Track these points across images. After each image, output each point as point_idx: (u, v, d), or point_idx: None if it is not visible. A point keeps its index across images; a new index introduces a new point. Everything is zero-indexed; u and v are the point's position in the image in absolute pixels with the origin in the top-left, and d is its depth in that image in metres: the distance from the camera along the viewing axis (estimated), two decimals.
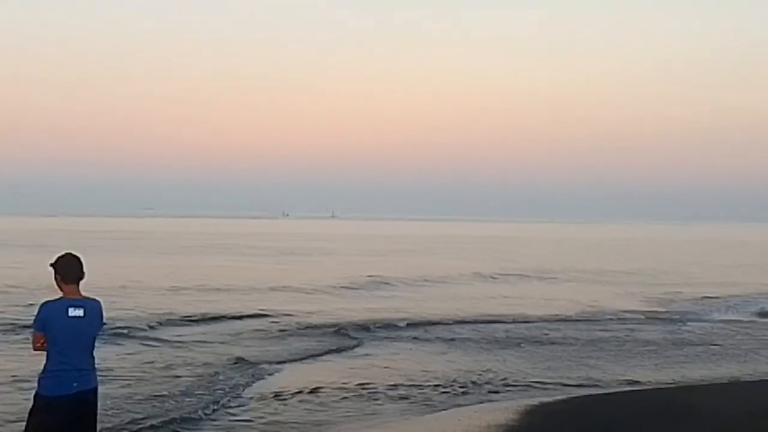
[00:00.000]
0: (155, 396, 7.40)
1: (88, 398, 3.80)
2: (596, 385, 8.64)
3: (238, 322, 13.45)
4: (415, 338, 12.05)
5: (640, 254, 43.67)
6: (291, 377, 8.60)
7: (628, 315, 16.01)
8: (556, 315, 15.52)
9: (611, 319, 15.34)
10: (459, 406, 7.42)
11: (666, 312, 17.04)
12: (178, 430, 6.32)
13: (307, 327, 12.80)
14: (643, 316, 15.92)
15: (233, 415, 6.85)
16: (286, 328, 12.69)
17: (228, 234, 62.96)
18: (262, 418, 6.72)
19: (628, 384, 8.69)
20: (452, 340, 11.92)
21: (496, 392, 8.09)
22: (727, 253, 46.98)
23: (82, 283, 3.78)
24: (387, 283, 22.00)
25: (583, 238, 72.19)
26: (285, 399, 7.37)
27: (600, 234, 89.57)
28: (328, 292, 19.25)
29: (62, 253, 3.92)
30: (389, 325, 13.32)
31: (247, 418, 6.73)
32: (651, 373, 9.49)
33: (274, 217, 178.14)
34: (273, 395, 7.50)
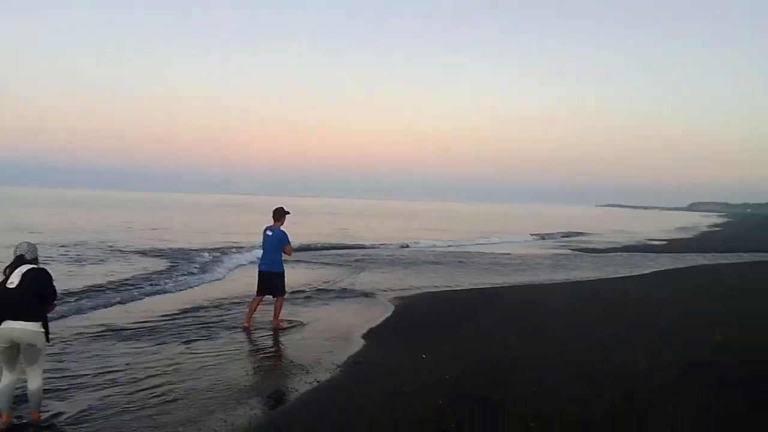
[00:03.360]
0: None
1: (268, 273, 8.44)
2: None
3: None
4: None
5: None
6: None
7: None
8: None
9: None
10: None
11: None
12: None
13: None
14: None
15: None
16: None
17: (314, 205, 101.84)
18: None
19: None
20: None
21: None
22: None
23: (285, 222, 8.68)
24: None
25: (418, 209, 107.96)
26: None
27: (419, 207, 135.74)
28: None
29: (276, 206, 8.72)
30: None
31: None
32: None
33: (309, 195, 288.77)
34: None
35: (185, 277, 13.29)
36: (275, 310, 8.57)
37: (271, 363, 6.82)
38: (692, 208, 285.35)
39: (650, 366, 6.52)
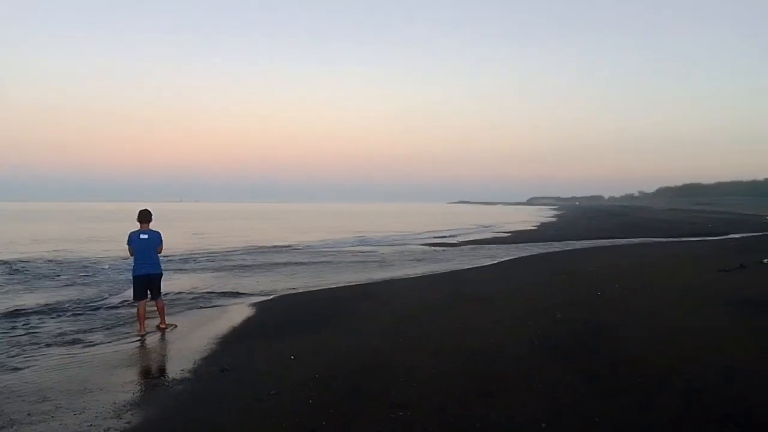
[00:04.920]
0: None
1: (153, 275, 8.49)
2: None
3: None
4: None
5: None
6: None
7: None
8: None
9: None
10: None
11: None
12: None
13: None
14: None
15: None
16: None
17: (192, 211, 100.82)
18: None
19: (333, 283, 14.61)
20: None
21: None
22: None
23: (152, 223, 8.67)
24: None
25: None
26: None
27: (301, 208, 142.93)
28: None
29: (141, 208, 8.66)
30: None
31: None
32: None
33: (176, 200, 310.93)
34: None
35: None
36: (161, 311, 8.72)
37: (128, 376, 6.31)
38: (531, 202, 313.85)
39: (503, 346, 7.07)
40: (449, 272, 16.14)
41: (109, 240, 27.09)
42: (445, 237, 33.98)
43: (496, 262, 18.93)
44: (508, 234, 36.50)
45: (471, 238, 32.17)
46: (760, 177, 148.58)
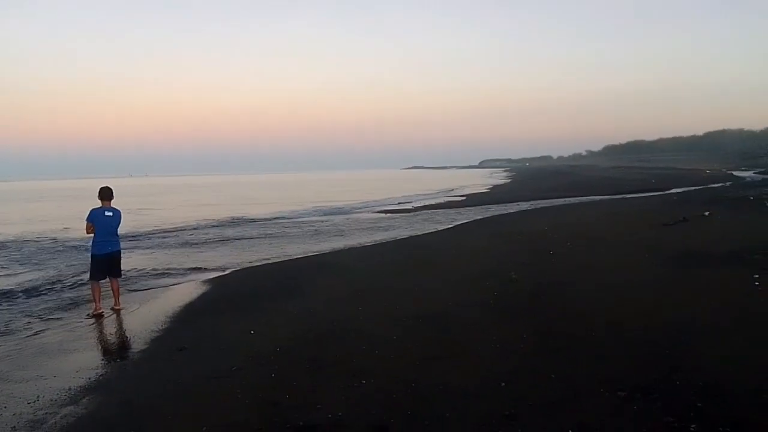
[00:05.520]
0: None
1: (116, 253, 8.39)
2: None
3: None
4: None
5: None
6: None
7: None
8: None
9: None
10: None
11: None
12: None
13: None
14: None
15: None
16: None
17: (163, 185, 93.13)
18: None
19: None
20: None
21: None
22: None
23: (113, 201, 8.43)
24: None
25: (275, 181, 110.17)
26: None
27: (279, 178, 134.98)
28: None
29: (102, 185, 8.41)
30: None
31: None
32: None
33: (140, 176, 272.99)
34: None
35: None
36: (116, 292, 8.44)
37: (83, 361, 6.12)
38: (483, 165, 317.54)
39: (460, 309, 7.22)
40: (406, 238, 16.27)
41: (53, 220, 26.04)
42: (401, 203, 34.13)
43: (451, 226, 19.18)
44: (463, 198, 36.98)
45: (426, 203, 32.44)
46: (699, 132, 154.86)
